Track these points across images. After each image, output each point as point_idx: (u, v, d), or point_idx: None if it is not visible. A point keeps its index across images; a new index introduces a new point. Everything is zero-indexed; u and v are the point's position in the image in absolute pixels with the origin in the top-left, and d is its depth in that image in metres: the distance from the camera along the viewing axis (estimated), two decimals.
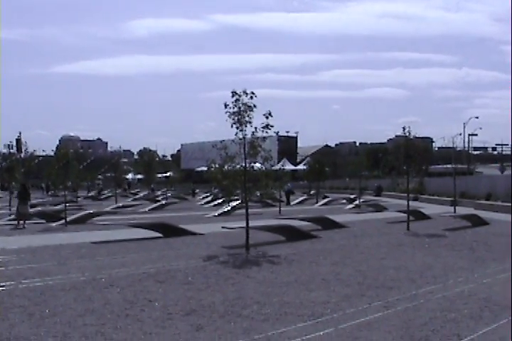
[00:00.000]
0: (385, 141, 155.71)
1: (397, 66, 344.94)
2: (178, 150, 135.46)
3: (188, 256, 15.99)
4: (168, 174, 70.27)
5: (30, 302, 10.28)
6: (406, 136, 24.09)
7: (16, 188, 37.11)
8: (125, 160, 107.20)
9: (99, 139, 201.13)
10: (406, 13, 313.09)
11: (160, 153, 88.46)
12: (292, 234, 19.91)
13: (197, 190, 69.27)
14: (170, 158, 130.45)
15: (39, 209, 32.28)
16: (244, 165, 17.09)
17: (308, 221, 24.28)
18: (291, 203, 47.02)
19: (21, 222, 25.92)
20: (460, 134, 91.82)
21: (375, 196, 54.27)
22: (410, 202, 25.98)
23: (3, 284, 11.92)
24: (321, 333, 8.06)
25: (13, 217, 29.70)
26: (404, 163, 24.26)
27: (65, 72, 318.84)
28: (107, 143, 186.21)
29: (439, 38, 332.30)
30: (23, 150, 48.70)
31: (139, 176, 73.74)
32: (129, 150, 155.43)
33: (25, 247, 18.21)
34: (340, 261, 15.25)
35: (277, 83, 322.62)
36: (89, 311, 9.51)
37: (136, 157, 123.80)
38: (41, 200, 47.53)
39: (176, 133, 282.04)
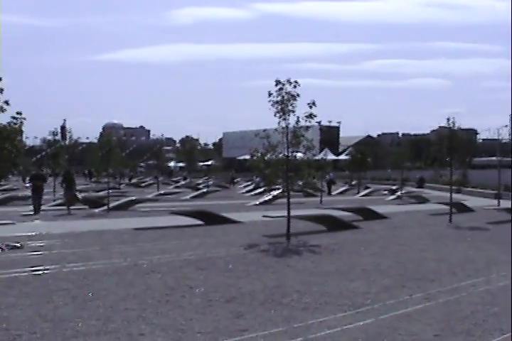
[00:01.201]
0: (428, 131, 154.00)
1: (441, 56, 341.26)
2: (220, 139, 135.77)
3: (228, 244, 16.08)
4: (209, 162, 70.50)
5: (73, 285, 10.46)
6: (450, 127, 23.81)
7: (60, 174, 37.62)
8: (167, 148, 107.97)
9: (141, 127, 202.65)
10: (451, 1, 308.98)
11: (202, 141, 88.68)
12: (333, 224, 19.88)
13: (238, 179, 69.37)
14: (212, 147, 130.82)
15: (82, 195, 32.66)
16: (286, 154, 17.08)
17: (349, 211, 24.18)
18: (333, 193, 46.87)
19: (68, 207, 26.23)
20: (506, 126, 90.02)
21: (417, 187, 53.69)
22: (453, 195, 25.70)
23: (48, 267, 12.16)
24: (361, 323, 8.05)
25: (57, 202, 30.16)
26: (447, 154, 23.99)
27: (110, 60, 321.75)
28: (149, 131, 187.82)
29: (486, 27, 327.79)
30: (67, 137, 49.38)
31: (181, 164, 74.22)
32: (171, 138, 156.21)
33: (69, 232, 18.48)
34: (381, 252, 15.19)
35: (319, 73, 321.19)
36: (130, 296, 9.65)
37: (178, 145, 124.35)
38: (84, 187, 48.09)
39: (218, 122, 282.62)
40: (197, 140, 73.32)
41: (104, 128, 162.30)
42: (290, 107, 16.66)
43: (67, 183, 27.36)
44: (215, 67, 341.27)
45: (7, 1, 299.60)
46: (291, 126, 16.92)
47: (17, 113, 12.52)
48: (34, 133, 79.28)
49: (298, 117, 16.86)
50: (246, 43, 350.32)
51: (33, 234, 17.80)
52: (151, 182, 61.71)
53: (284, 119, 16.77)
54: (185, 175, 65.98)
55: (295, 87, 16.64)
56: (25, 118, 12.52)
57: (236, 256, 13.98)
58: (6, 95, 12.24)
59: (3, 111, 12.19)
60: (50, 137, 42.67)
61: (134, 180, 68.13)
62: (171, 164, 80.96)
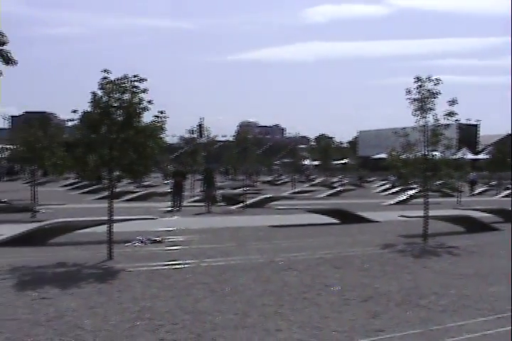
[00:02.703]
0: None
1: None
2: (355, 137, 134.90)
3: (364, 243, 15.96)
4: (344, 161, 70.19)
5: (212, 279, 10.73)
6: None
7: (199, 172, 38.53)
8: (302, 146, 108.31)
9: (276, 125, 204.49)
10: None
11: (337, 139, 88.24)
12: (472, 226, 19.31)
13: (373, 178, 68.61)
14: (347, 145, 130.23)
15: (220, 192, 33.35)
16: (424, 153, 16.73)
17: (488, 212, 23.38)
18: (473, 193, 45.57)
19: (209, 204, 26.45)
20: None
21: None
22: None
23: (188, 262, 12.53)
24: (501, 330, 7.79)
25: (195, 198, 30.94)
26: None
27: (245, 59, 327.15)
28: (284, 129, 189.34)
29: None
30: (204, 135, 50.62)
31: (316, 162, 74.30)
32: (305, 137, 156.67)
33: (207, 228, 18.95)
34: None
35: (456, 68, 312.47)
36: (267, 292, 9.78)
37: (312, 143, 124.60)
38: (221, 184, 49.02)
39: (353, 120, 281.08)
40: (332, 138, 73.20)
41: (240, 126, 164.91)
42: (430, 105, 16.30)
43: (208, 181, 27.57)
44: (349, 64, 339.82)
45: (150, 6, 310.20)
46: (429, 124, 16.56)
47: (159, 111, 12.94)
48: (172, 131, 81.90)
49: (436, 115, 16.47)
50: (381, 40, 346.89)
51: (173, 229, 18.37)
52: (286, 180, 62.17)
53: (423, 117, 16.43)
54: (308, 173, 65.66)
55: (436, 84, 16.25)
56: (167, 117, 12.94)
57: (372, 256, 13.87)
58: (149, 95, 12.70)
59: (147, 110, 12.67)
60: (187, 135, 44.01)
61: (269, 178, 68.76)
62: (306, 162, 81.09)
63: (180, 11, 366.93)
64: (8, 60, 4.12)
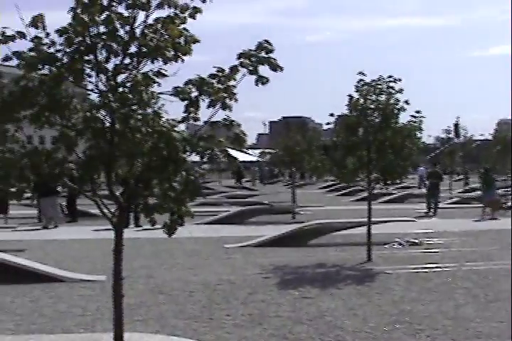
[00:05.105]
0: None
1: None
2: None
3: None
4: None
5: (473, 284, 10.38)
6: None
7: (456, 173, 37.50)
8: None
9: None
10: None
11: None
12: None
13: None
14: None
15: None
16: None
17: None
18: None
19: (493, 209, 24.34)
20: None
21: None
22: None
23: (448, 265, 12.22)
24: None
25: (453, 200, 30.19)
26: None
27: (501, 53, 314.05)
28: None
29: None
30: (461, 134, 49.25)
31: None
32: None
33: (467, 230, 18.29)
34: None
35: None
36: None
37: None
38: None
39: None
40: None
41: (498, 124, 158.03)
42: None
43: (487, 184, 25.72)
44: None
45: (398, 6, 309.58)
46: None
47: (416, 111, 12.87)
48: (428, 131, 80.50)
49: None
50: None
51: (430, 231, 17.99)
52: None
53: None
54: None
55: None
56: (424, 117, 12.81)
57: None
58: (405, 95, 12.66)
59: (404, 111, 12.64)
60: (443, 135, 43.05)
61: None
62: None
63: (430, 8, 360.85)
64: (276, 67, 4.34)
